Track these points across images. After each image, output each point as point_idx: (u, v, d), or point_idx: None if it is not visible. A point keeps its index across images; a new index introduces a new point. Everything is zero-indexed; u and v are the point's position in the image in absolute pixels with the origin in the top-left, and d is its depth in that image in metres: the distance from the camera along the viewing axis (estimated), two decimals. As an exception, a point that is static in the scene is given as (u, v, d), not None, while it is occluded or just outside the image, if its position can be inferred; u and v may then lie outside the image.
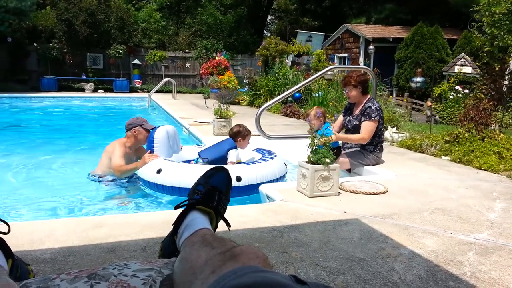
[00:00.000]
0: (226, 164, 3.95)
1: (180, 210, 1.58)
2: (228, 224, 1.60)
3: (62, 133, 8.19)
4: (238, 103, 12.17)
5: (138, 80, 17.85)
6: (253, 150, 4.51)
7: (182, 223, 1.50)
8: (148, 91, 14.77)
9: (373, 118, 4.14)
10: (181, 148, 4.53)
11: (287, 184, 3.73)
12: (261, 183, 3.59)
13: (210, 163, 3.97)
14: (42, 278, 1.26)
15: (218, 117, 6.31)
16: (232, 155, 4.07)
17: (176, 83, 15.16)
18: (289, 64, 13.55)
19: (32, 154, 5.78)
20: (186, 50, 19.74)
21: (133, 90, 17.21)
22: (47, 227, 2.45)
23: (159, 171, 3.69)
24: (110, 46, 17.70)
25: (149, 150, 4.00)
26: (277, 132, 6.34)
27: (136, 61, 18.11)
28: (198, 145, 4.77)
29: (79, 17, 17.09)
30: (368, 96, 4.35)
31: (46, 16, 17.57)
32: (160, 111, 11.03)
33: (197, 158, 4.16)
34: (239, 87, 13.19)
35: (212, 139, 5.57)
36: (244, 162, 4.06)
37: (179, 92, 15.65)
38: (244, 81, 14.08)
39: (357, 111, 4.33)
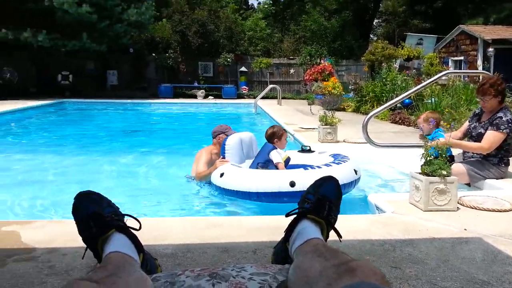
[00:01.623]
0: (275, 166, 3.97)
1: (291, 218, 1.59)
2: (339, 235, 1.57)
3: (176, 136, 8.79)
4: (343, 110, 11.97)
5: (245, 87, 18.50)
6: (330, 155, 4.29)
7: (293, 231, 1.51)
8: (254, 97, 15.21)
9: (501, 130, 3.73)
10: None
11: (398, 195, 3.56)
12: None
13: (263, 167, 3.98)
14: (169, 273, 1.36)
15: (324, 124, 6.26)
16: (275, 156, 4.04)
17: (281, 89, 15.41)
18: (397, 69, 12.97)
19: (148, 156, 6.30)
20: (291, 57, 19.98)
21: (240, 96, 17.88)
22: (167, 224, 2.65)
23: (222, 175, 3.78)
24: (219, 54, 18.63)
25: (221, 156, 4.16)
26: (385, 140, 6.10)
27: (243, 69, 18.80)
28: (300, 150, 4.70)
29: (192, 28, 18.28)
30: (503, 105, 3.95)
31: (163, 28, 19.13)
32: (266, 117, 11.29)
33: (256, 165, 4.19)
34: (344, 93, 12.97)
35: (317, 146, 5.55)
36: (302, 166, 3.94)
37: (283, 98, 15.87)
38: (349, 87, 13.81)
39: (485, 119, 3.95)
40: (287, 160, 4.14)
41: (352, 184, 3.80)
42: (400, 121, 8.96)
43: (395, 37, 21.22)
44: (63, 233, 2.47)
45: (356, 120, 8.97)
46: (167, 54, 18.31)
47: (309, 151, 4.49)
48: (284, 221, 1.58)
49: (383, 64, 13.00)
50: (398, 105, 9.66)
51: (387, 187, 4.42)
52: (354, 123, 8.36)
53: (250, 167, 4.15)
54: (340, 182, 3.65)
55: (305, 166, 3.84)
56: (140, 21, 16.10)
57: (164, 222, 2.72)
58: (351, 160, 3.96)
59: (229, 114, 13.78)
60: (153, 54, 18.56)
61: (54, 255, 2.17)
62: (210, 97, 17.52)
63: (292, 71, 19.54)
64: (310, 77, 15.42)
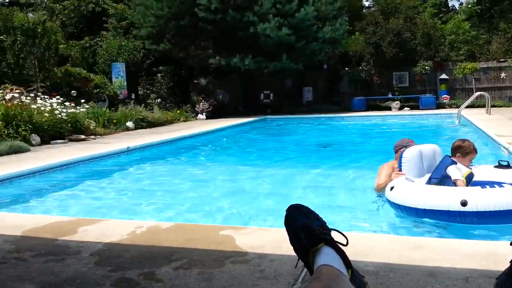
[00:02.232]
0: (453, 183, 3.62)
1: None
2: None
3: (368, 149, 8.65)
4: None
5: (446, 96, 17.03)
6: None
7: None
8: (457, 107, 13.87)
9: None
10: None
11: None
12: (499, 211, 2.94)
13: (438, 183, 3.64)
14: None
15: (550, 135, 5.28)
16: (453, 172, 3.68)
17: (490, 97, 13.65)
18: None
19: (340, 168, 6.36)
20: (501, 59, 17.57)
21: (440, 106, 16.56)
22: (368, 241, 2.61)
23: (392, 188, 3.70)
24: (415, 63, 17.66)
25: (398, 169, 4.07)
26: None
27: (443, 76, 17.37)
28: (497, 165, 4.01)
29: (386, 39, 17.82)
30: None
31: (355, 42, 19.20)
32: (472, 128, 10.16)
33: (429, 180, 3.85)
34: None
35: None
36: (487, 183, 3.39)
37: (493, 106, 14.03)
38: None
39: None
40: (469, 177, 3.71)
41: None
42: None
43: None
44: (271, 240, 2.68)
45: None
46: (360, 67, 18.30)
47: (507, 166, 3.90)
48: (501, 249, 1.39)
49: None
50: None
51: None
52: None
53: (431, 175, 3.89)
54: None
55: (483, 184, 3.39)
56: (334, 37, 16.50)
57: (365, 238, 2.70)
58: None
59: (427, 126, 12.89)
60: (346, 68, 18.79)
61: (263, 260, 2.36)
62: (405, 108, 16.71)
63: (503, 75, 17.16)
64: (529, 81, 13.25)
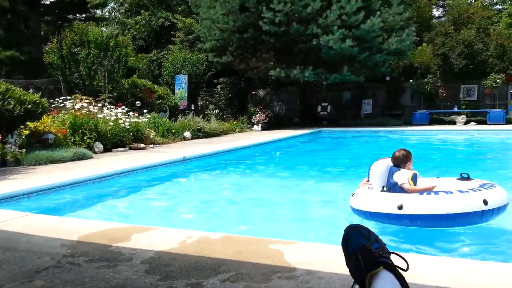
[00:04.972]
0: (399, 189, 3.94)
1: None
2: None
3: (431, 165, 8.17)
4: None
5: (517, 111, 15.91)
6: (481, 185, 3.87)
7: None
8: (531, 123, 12.91)
9: None
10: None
11: None
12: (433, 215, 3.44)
13: (388, 191, 3.93)
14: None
15: None
16: (398, 178, 4.02)
17: None
18: None
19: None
20: None
21: (509, 121, 15.49)
22: (419, 262, 2.42)
23: (352, 195, 4.07)
24: (486, 75, 16.68)
25: (366, 179, 4.26)
26: None
27: (516, 90, 16.24)
28: (459, 177, 4.26)
29: (455, 50, 17.03)
30: None
31: (422, 53, 18.45)
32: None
33: (382, 187, 4.08)
34: None
35: None
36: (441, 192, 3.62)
37: None
38: None
39: None
40: (414, 177, 4.05)
41: (476, 215, 3.52)
42: None
43: None
44: (321, 256, 2.59)
45: None
46: (425, 80, 17.57)
47: (467, 178, 4.26)
48: None
49: None
50: None
51: None
52: None
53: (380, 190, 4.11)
54: (452, 211, 3.40)
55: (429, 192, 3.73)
56: (399, 48, 15.79)
57: (415, 259, 2.51)
58: (493, 190, 3.66)
59: (492, 142, 12.08)
60: (411, 80, 18.08)
61: (312, 277, 2.28)
62: (471, 123, 15.80)
63: None
64: None
